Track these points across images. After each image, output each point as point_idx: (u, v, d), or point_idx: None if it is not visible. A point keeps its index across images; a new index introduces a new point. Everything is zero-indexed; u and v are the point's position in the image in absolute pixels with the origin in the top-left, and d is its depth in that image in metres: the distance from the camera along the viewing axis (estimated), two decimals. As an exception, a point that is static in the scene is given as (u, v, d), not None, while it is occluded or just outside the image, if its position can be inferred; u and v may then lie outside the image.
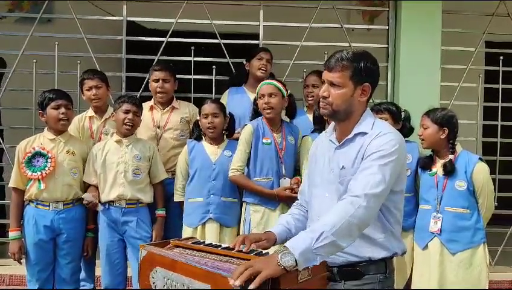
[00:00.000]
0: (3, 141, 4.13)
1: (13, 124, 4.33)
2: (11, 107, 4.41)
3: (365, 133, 1.72)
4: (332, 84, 1.74)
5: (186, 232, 3.01)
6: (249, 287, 1.40)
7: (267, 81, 3.06)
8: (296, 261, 1.46)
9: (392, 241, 1.75)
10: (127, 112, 3.00)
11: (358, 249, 1.71)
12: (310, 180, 1.93)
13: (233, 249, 1.87)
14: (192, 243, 1.99)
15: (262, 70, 3.46)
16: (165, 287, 1.70)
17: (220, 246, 1.93)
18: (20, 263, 2.97)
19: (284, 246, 1.51)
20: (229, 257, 1.74)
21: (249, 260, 1.60)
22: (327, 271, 1.71)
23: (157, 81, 3.34)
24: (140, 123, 3.11)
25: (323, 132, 1.98)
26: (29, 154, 2.90)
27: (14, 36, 4.26)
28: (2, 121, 4.79)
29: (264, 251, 1.81)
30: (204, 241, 2.04)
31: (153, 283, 1.76)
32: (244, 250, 1.76)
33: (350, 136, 1.76)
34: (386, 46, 4.17)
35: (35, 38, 4.13)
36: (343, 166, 1.74)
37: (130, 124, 3.00)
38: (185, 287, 1.62)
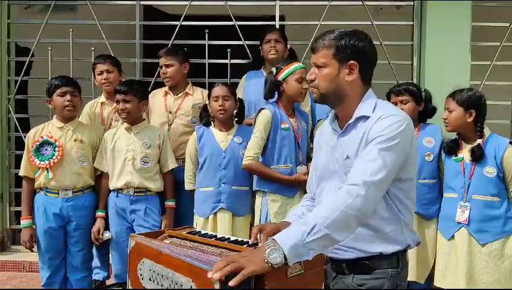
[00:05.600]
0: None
1: (37, 112, 4.37)
2: (35, 96, 4.45)
3: (367, 118, 1.59)
4: (317, 66, 1.64)
5: (198, 221, 2.94)
6: (229, 283, 1.30)
7: (301, 64, 2.89)
8: (285, 257, 1.34)
9: (405, 233, 1.61)
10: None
11: (369, 244, 1.58)
12: (316, 171, 1.81)
13: (227, 240, 1.78)
14: (188, 233, 1.91)
15: (272, 52, 3.34)
16: (151, 280, 1.63)
17: (215, 236, 1.84)
18: (32, 250, 2.99)
19: (273, 239, 1.39)
20: (222, 249, 1.66)
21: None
22: (324, 265, 1.60)
23: (161, 67, 3.31)
24: (131, 107, 2.95)
25: (326, 119, 1.83)
26: (37, 143, 2.89)
27: (38, 25, 4.25)
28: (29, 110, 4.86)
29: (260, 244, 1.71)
30: (200, 231, 1.97)
31: (140, 275, 1.70)
32: (260, 244, 1.64)
33: (351, 121, 1.62)
34: (412, 23, 3.94)
35: (57, 26, 4.15)
36: (347, 156, 1.61)
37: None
38: (169, 280, 1.55)
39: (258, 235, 1.67)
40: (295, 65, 2.84)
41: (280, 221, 2.14)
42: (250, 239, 1.68)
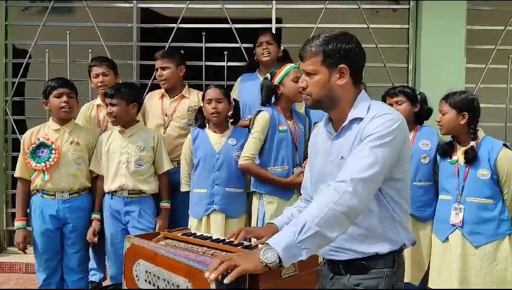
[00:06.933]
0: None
1: (34, 114, 4.37)
2: (32, 98, 4.45)
3: (361, 119, 1.59)
4: (307, 73, 1.64)
5: (192, 223, 2.95)
6: (224, 281, 1.31)
7: (294, 64, 2.90)
8: (279, 257, 1.36)
9: (400, 233, 1.63)
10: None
11: (365, 245, 1.60)
12: (311, 174, 1.82)
13: (223, 241, 1.80)
14: (183, 234, 1.92)
15: (265, 54, 3.36)
16: (146, 281, 1.64)
17: (211, 238, 1.85)
18: (25, 252, 2.99)
19: (267, 243, 1.40)
20: (215, 250, 1.67)
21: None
22: (318, 265, 1.61)
23: (157, 70, 3.32)
24: (117, 111, 2.92)
25: (321, 121, 1.85)
26: (34, 145, 2.89)
27: (35, 27, 4.26)
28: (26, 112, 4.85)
29: (253, 245, 1.72)
30: (195, 233, 1.98)
31: (136, 276, 1.71)
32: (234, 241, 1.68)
33: (345, 123, 1.63)
34: (407, 26, 3.95)
35: (55, 28, 4.15)
36: (341, 156, 1.62)
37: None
38: (166, 281, 1.56)
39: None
40: (288, 66, 2.87)
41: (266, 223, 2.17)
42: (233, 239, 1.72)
